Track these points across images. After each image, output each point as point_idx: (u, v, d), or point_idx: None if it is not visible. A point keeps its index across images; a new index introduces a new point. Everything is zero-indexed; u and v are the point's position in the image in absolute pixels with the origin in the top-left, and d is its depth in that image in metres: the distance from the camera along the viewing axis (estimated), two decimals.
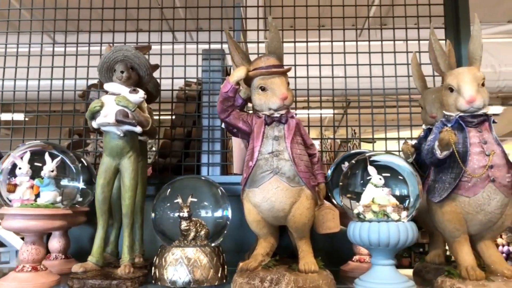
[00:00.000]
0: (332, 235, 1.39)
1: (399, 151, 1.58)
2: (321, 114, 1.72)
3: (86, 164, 1.42)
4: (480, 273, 1.01)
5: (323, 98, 1.71)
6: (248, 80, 1.15)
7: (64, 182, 1.22)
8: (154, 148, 1.71)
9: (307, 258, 1.09)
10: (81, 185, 1.26)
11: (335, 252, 1.39)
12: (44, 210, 1.11)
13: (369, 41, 1.72)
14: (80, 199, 1.38)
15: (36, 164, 1.16)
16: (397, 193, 1.10)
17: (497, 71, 4.57)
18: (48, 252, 1.36)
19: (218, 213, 1.22)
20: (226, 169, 1.60)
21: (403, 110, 1.74)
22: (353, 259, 1.29)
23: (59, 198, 1.16)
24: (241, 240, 1.43)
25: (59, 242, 1.34)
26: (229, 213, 1.23)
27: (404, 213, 1.06)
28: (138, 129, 1.14)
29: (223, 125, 1.33)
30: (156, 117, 1.61)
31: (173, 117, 1.72)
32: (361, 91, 1.69)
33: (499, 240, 4.07)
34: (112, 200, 1.29)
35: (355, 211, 1.08)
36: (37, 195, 1.15)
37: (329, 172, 1.38)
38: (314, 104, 1.76)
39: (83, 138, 1.64)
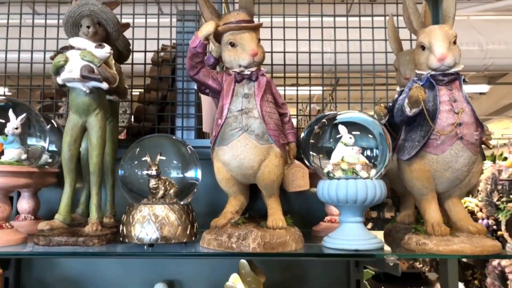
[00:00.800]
0: (304, 197, 1.40)
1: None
2: (310, 90, 1.65)
3: (56, 125, 1.39)
4: (445, 229, 1.02)
5: (312, 75, 1.66)
6: (218, 37, 1.13)
7: (30, 141, 1.19)
8: (128, 112, 1.68)
9: (275, 215, 1.09)
10: (46, 144, 1.23)
11: (307, 214, 1.39)
12: (7, 167, 1.08)
13: (359, 16, 1.66)
14: (50, 160, 1.36)
15: None
16: (367, 152, 1.09)
17: (484, 49, 4.54)
18: (17, 213, 1.34)
19: (187, 172, 1.20)
20: (201, 133, 1.58)
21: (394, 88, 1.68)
22: (325, 219, 1.30)
23: (24, 156, 1.14)
24: (214, 204, 1.43)
25: (28, 203, 1.32)
26: (198, 172, 1.21)
27: (373, 171, 1.06)
28: (104, 85, 1.11)
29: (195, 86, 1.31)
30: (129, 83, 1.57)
31: (148, 80, 1.68)
32: (350, 67, 1.62)
33: (479, 214, 4.16)
34: (82, 162, 1.27)
35: (325, 170, 1.08)
36: (1, 153, 1.12)
37: (303, 134, 1.37)
38: (302, 81, 1.70)
39: (54, 100, 1.60)
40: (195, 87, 1.35)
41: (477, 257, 1.08)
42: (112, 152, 1.30)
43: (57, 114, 1.60)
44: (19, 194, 1.37)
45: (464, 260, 4.12)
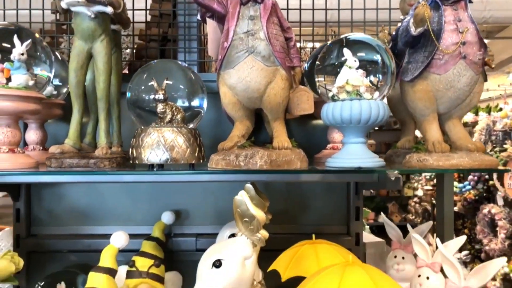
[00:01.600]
0: (306, 127, 1.43)
1: None
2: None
3: (60, 58, 1.39)
4: (445, 146, 1.05)
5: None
6: None
7: (36, 69, 1.19)
8: (128, 50, 1.67)
9: (281, 136, 1.12)
10: (52, 73, 1.23)
11: (309, 143, 1.42)
12: (16, 91, 1.09)
13: None
14: (55, 92, 1.37)
15: (4, 45, 1.13)
16: (371, 76, 1.11)
17: (483, 0, 4.47)
18: (25, 144, 1.36)
19: (193, 98, 1.22)
20: (203, 67, 1.58)
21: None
22: (327, 147, 1.33)
23: (31, 82, 1.14)
24: (218, 136, 1.46)
25: (36, 134, 1.34)
26: (204, 99, 1.23)
27: (376, 93, 1.08)
28: (109, 9, 1.10)
29: (198, 16, 1.30)
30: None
31: (149, 18, 1.67)
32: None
33: None
34: (87, 93, 1.28)
35: (330, 94, 1.10)
36: (8, 79, 1.13)
37: (306, 65, 1.38)
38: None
39: (55, 35, 1.59)
40: (198, 18, 1.34)
41: (476, 171, 1.13)
42: (117, 84, 1.31)
43: (58, 49, 1.59)
44: (25, 127, 1.39)
45: (455, 209, 4.25)
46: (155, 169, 1.09)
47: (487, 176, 4.03)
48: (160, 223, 1.38)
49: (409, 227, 1.24)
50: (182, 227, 1.45)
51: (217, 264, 0.91)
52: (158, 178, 1.21)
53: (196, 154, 1.13)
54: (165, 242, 1.38)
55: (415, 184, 5.58)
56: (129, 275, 1.26)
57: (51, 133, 1.40)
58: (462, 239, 1.12)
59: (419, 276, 1.10)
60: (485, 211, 3.86)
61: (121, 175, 1.18)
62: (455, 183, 4.27)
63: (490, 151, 4.03)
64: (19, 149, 1.14)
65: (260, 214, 0.93)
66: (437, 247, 1.07)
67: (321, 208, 1.46)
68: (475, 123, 4.29)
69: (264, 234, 0.96)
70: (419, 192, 5.43)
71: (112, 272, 1.02)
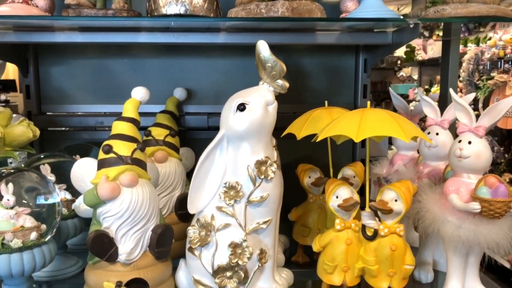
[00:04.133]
0: None
1: None
2: None
3: None
4: None
5: None
6: None
7: None
8: None
9: None
10: None
11: None
12: None
13: None
14: None
15: None
16: None
17: None
18: None
19: None
20: None
21: None
22: None
23: None
24: None
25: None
26: None
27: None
28: None
29: None
30: None
31: None
32: None
33: (459, 94, 4.32)
34: None
35: None
36: None
37: None
38: None
39: None
40: None
41: (493, 19, 1.15)
42: None
43: None
44: None
45: None
46: (172, 23, 1.09)
47: (472, 106, 4.12)
48: (173, 98, 1.39)
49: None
50: (193, 106, 1.47)
51: (241, 107, 0.93)
52: (174, 39, 1.19)
53: (214, 8, 1.12)
54: (178, 117, 1.39)
55: None
56: (145, 144, 1.28)
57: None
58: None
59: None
60: None
61: (137, 35, 1.17)
62: None
63: (477, 80, 4.11)
64: (33, 2, 1.11)
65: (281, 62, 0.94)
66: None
67: (329, 86, 1.49)
68: (463, 54, 4.34)
69: (285, 82, 0.98)
70: None
71: (136, 123, 1.03)
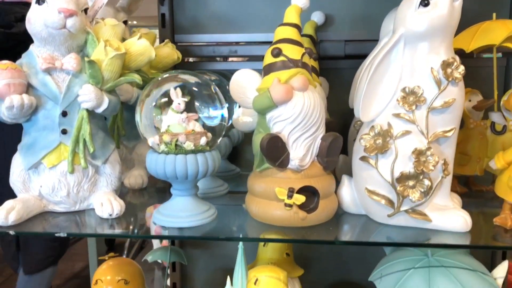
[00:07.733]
0: None
1: None
2: None
3: None
4: None
5: None
6: None
7: None
8: None
9: None
10: None
11: None
12: None
13: None
14: None
15: None
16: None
17: None
18: None
19: None
20: None
21: None
22: None
23: None
24: None
25: None
26: None
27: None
28: None
29: None
30: None
31: None
32: None
33: None
34: None
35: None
36: None
37: None
38: None
39: None
40: None
41: None
42: None
43: None
44: None
45: None
46: None
47: None
48: (311, 21, 1.32)
49: None
50: (328, 33, 1.39)
51: (425, 2, 0.84)
52: None
53: None
54: (316, 42, 1.33)
55: None
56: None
57: None
58: None
59: None
60: None
61: None
62: None
63: None
64: None
65: None
66: None
67: None
68: None
69: None
70: None
71: (299, 29, 0.97)
